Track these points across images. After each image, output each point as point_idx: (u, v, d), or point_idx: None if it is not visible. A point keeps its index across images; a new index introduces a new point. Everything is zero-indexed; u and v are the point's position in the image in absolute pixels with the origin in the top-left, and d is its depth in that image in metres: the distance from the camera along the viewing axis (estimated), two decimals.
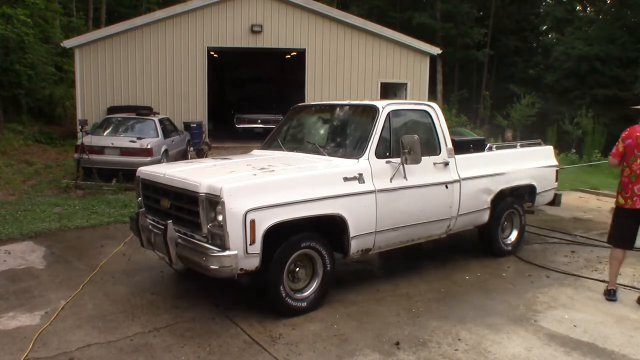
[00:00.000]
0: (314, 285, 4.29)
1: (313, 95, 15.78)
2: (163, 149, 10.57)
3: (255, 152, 5.59)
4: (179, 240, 4.04)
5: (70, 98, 18.01)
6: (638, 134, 4.50)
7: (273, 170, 4.25)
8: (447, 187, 5.07)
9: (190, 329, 3.93)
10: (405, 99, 16.17)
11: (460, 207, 5.21)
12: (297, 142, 5.55)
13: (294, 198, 3.96)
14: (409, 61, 16.44)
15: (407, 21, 29.43)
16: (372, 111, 4.82)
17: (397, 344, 3.72)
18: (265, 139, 5.77)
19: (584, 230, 7.29)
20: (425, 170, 4.85)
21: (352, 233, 4.31)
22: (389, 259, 5.79)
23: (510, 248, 5.97)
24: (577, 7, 34.43)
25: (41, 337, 3.76)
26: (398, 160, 4.58)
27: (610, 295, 4.64)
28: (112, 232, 6.78)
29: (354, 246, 4.39)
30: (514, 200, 5.90)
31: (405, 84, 16.49)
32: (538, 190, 6.10)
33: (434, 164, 5.00)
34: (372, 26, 16.30)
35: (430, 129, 5.13)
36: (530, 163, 6.06)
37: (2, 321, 4.04)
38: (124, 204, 8.28)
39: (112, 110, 14.03)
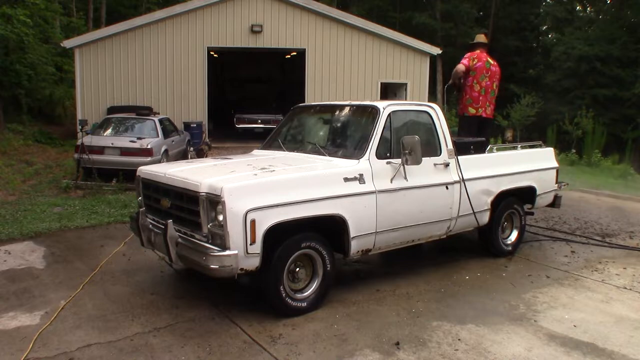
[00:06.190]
0: (314, 286, 4.29)
1: (313, 95, 15.78)
2: (163, 149, 10.57)
3: (255, 152, 5.59)
4: (179, 240, 4.04)
5: (70, 98, 18.02)
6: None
7: (274, 171, 4.25)
8: (447, 188, 5.07)
9: (190, 329, 3.93)
10: (405, 99, 16.18)
11: (460, 208, 5.21)
12: (297, 143, 5.55)
13: (294, 198, 3.96)
14: (409, 61, 16.43)
15: (407, 21, 29.44)
16: (373, 112, 4.81)
17: (397, 344, 3.72)
18: (266, 139, 5.77)
19: (584, 230, 7.29)
20: (425, 171, 4.84)
21: (352, 233, 4.31)
22: (389, 259, 5.79)
23: (510, 248, 5.97)
24: (577, 7, 34.44)
25: (41, 337, 3.75)
26: (399, 160, 4.58)
27: None
28: (112, 232, 6.78)
29: (354, 246, 4.39)
30: (514, 201, 5.90)
31: (405, 84, 16.49)
32: (538, 192, 6.10)
33: (435, 164, 5.00)
34: (372, 26, 16.29)
35: (431, 129, 5.13)
36: (531, 165, 6.06)
37: (2, 321, 4.04)
38: (124, 204, 8.28)
39: (112, 110, 14.04)
